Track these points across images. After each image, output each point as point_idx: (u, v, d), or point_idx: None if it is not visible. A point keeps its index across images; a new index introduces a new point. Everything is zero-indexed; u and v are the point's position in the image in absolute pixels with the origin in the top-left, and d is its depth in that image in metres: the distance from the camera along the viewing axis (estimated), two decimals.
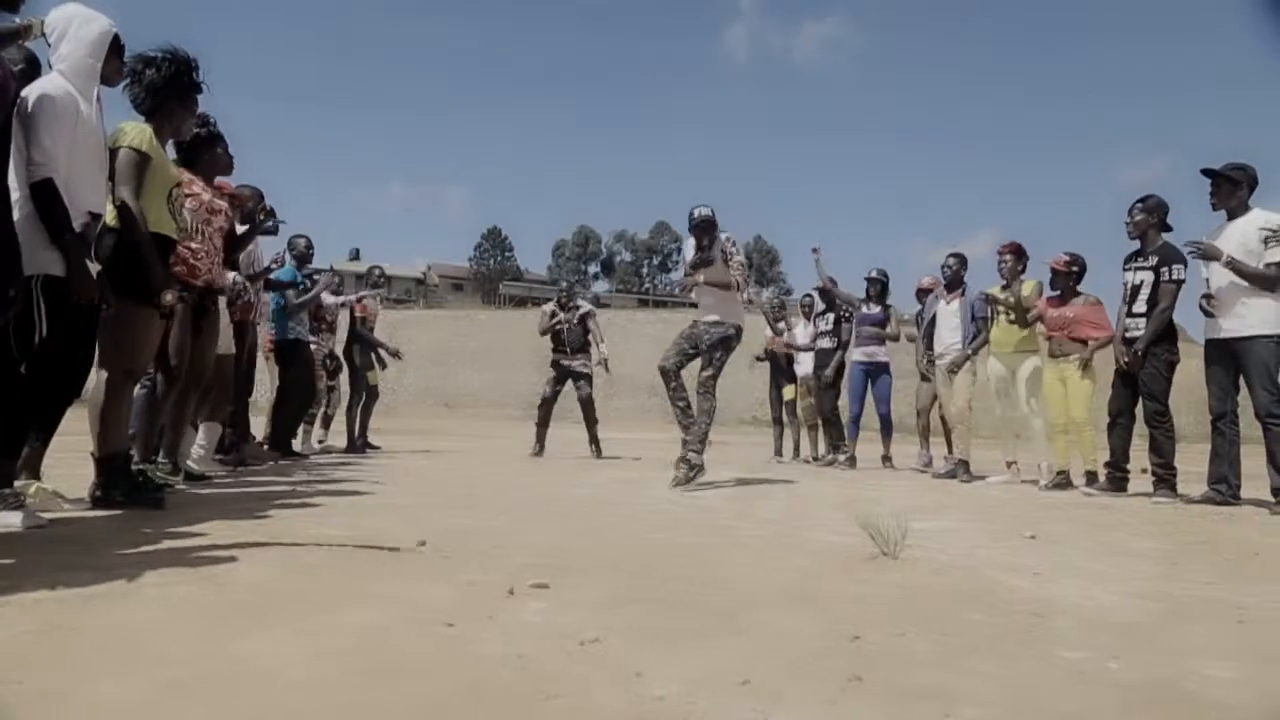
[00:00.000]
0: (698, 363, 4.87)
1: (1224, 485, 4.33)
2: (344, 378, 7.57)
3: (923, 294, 6.65)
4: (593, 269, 64.81)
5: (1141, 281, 4.73)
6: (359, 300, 7.31)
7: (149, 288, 3.05)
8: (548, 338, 7.59)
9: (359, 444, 7.37)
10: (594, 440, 7.60)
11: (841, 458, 6.93)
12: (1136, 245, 4.85)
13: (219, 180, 4.53)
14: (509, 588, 1.88)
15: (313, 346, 6.74)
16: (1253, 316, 4.24)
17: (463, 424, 19.44)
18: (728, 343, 4.84)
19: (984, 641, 1.58)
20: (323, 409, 7.47)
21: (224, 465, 4.85)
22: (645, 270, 62.24)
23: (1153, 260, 4.71)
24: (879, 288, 6.85)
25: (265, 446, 5.88)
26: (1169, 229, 4.78)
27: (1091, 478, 5.10)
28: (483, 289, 54.00)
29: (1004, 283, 5.65)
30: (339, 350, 7.43)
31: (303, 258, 6.26)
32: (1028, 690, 1.31)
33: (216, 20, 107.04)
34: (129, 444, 3.23)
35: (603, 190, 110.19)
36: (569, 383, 7.57)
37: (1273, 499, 4.12)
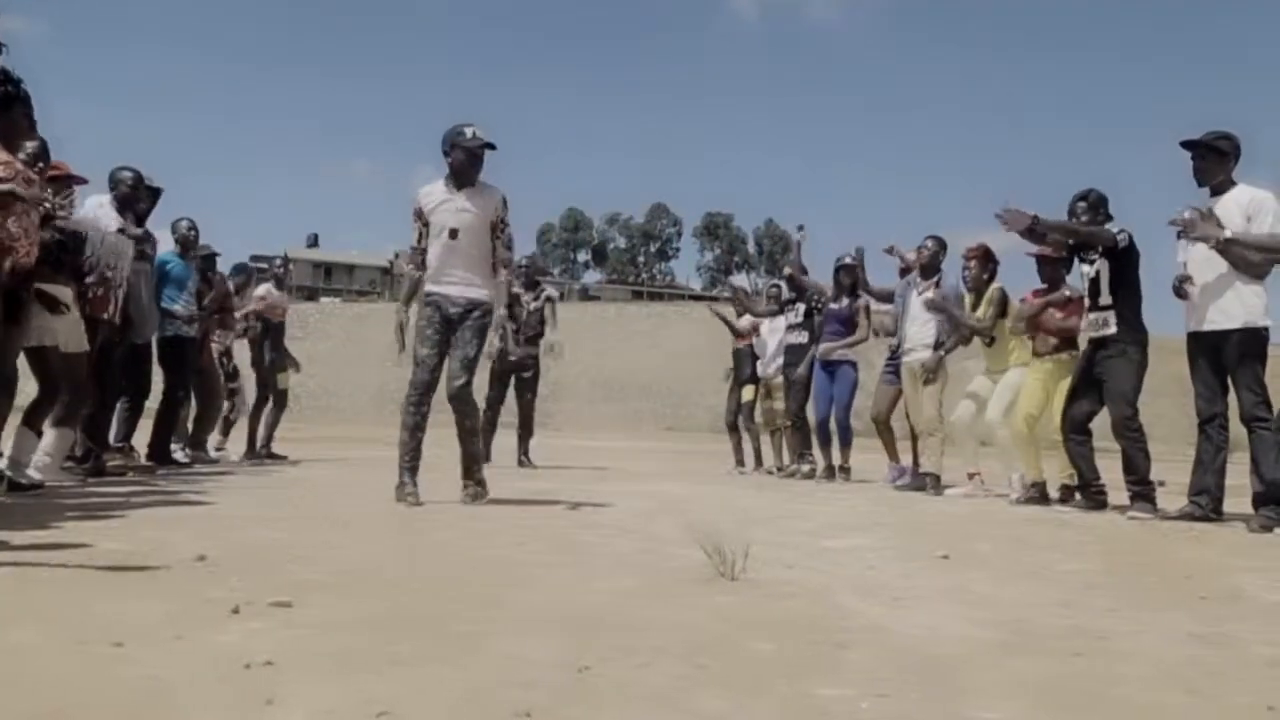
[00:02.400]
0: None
1: (1204, 497, 4.25)
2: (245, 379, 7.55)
3: (906, 274, 6.48)
4: (583, 256, 64.79)
5: (1097, 272, 4.66)
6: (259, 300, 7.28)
7: None
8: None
9: (260, 452, 7.34)
10: (525, 452, 7.62)
11: (805, 467, 6.87)
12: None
13: (57, 161, 4.50)
14: (235, 605, 1.84)
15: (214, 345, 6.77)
16: (1237, 307, 4.16)
17: (432, 432, 19.35)
18: (486, 333, 4.20)
19: (742, 676, 1.52)
20: (223, 413, 7.45)
21: (73, 475, 4.82)
22: (641, 258, 62.22)
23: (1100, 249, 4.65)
24: (850, 278, 6.71)
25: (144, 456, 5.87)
26: (1111, 219, 4.73)
27: (1067, 493, 5.03)
28: None
29: (971, 293, 5.62)
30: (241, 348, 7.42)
31: (185, 242, 6.23)
32: None
33: None
34: None
35: (594, 168, 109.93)
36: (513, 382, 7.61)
37: (1253, 510, 4.06)
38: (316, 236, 60.41)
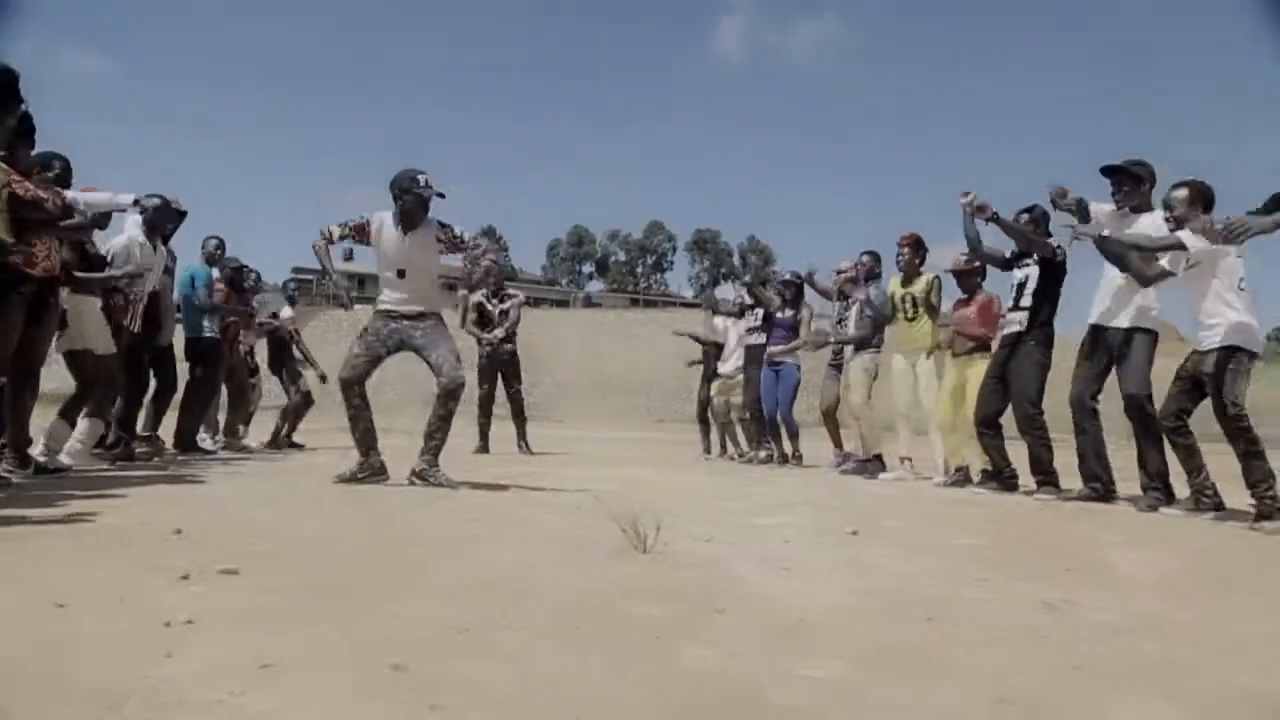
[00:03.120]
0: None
1: (1097, 482, 4.24)
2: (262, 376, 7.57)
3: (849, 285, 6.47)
4: (587, 268, 64.85)
5: (1026, 277, 4.63)
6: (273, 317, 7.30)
7: None
8: (472, 328, 7.61)
9: (282, 443, 7.35)
10: (523, 437, 7.61)
11: (762, 454, 6.87)
12: None
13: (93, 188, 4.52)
14: (186, 572, 1.84)
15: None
16: (1133, 308, 4.12)
17: None
18: (446, 331, 4.21)
19: (609, 636, 1.51)
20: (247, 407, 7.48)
21: (104, 460, 4.82)
22: (640, 269, 62.22)
23: (1035, 257, 4.60)
24: (793, 291, 6.76)
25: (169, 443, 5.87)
26: (1050, 235, 4.68)
27: (986, 477, 5.02)
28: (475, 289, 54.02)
29: (902, 276, 5.60)
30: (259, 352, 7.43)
31: (211, 259, 6.31)
32: (573, 685, 1.25)
33: (220, 13, 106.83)
34: None
35: (597, 190, 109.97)
36: (499, 379, 7.62)
37: (1142, 494, 4.04)
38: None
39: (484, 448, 7.29)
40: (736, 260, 64.08)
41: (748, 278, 7.52)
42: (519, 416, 7.69)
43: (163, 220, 5.26)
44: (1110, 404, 4.29)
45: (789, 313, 6.72)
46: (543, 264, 65.33)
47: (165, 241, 5.64)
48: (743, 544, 2.66)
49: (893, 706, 1.22)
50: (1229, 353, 3.63)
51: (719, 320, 7.88)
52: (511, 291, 7.86)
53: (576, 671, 1.31)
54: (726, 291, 7.61)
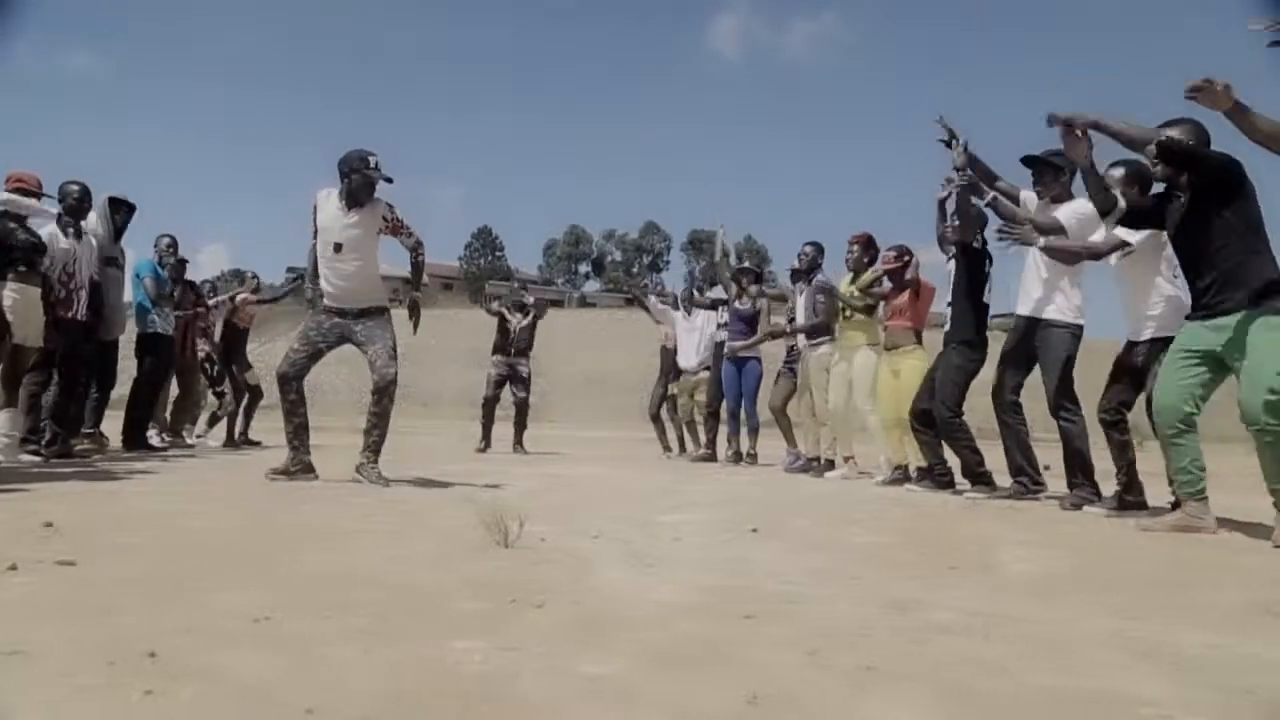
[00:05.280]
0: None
1: (1023, 476, 4.21)
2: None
3: (795, 276, 6.45)
4: (583, 268, 64.86)
5: (949, 270, 4.60)
6: (230, 299, 7.31)
7: None
8: (490, 338, 7.76)
9: (238, 441, 7.35)
10: (519, 440, 7.67)
11: (729, 451, 6.86)
12: None
13: (16, 173, 4.51)
14: (14, 564, 1.83)
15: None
16: (1052, 299, 4.06)
17: (429, 423, 19.34)
18: (390, 325, 4.16)
19: (407, 628, 1.50)
20: (210, 410, 7.50)
21: (38, 456, 4.81)
22: (635, 269, 62.12)
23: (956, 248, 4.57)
24: (751, 278, 6.73)
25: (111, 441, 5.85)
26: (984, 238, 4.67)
27: (923, 474, 5.00)
28: (471, 288, 54.14)
29: (851, 274, 5.58)
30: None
31: (162, 259, 6.33)
32: (332, 675, 1.23)
33: (210, 11, 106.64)
34: None
35: (594, 190, 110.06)
36: (509, 385, 7.81)
37: (1069, 492, 4.02)
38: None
39: (486, 446, 7.41)
40: (733, 260, 63.94)
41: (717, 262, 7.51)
42: (520, 421, 7.77)
43: (81, 207, 5.22)
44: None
45: (747, 303, 6.69)
46: (539, 264, 65.36)
47: (119, 236, 5.66)
48: (628, 540, 2.64)
49: (645, 703, 1.20)
50: (1159, 345, 3.61)
51: (680, 315, 7.81)
52: (527, 301, 8.00)
53: (347, 663, 1.29)
54: (717, 294, 7.56)
